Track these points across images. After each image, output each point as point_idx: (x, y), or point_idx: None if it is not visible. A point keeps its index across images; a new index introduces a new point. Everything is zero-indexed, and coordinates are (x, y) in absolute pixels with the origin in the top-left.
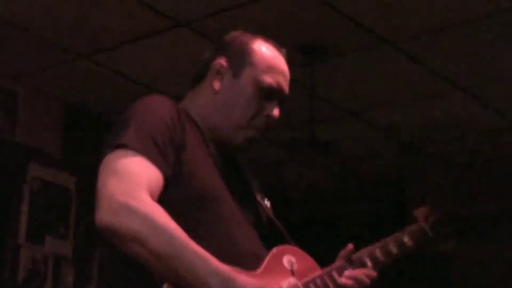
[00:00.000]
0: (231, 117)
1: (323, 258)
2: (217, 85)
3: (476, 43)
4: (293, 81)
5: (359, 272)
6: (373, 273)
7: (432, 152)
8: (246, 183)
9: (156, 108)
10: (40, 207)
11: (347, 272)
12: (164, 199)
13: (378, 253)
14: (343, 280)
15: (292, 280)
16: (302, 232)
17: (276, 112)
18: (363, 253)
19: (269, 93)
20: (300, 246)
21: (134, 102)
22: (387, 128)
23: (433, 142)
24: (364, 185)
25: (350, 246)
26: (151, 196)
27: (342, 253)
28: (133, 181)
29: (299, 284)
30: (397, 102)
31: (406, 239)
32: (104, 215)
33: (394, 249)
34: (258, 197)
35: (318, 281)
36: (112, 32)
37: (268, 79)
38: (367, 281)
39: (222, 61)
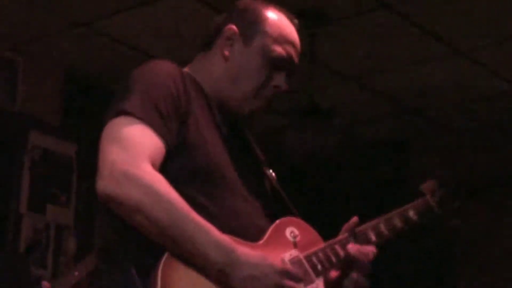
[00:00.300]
0: (239, 86)
1: (325, 224)
2: (227, 52)
3: (477, 7)
4: None
5: (362, 248)
6: (374, 250)
7: (433, 116)
8: (251, 152)
9: (161, 75)
10: (41, 175)
11: (350, 246)
12: (167, 169)
13: (383, 227)
14: (345, 254)
15: (294, 252)
16: (303, 199)
17: (284, 83)
18: (367, 227)
19: (279, 64)
20: (303, 217)
21: (138, 67)
22: (388, 93)
23: (434, 107)
24: (365, 150)
25: (355, 219)
26: (153, 165)
27: (346, 226)
28: (135, 149)
29: (301, 256)
30: (398, 66)
31: (411, 213)
32: (105, 184)
33: (398, 223)
34: (263, 167)
35: (320, 254)
36: None
37: (278, 49)
38: (371, 257)
39: (233, 28)
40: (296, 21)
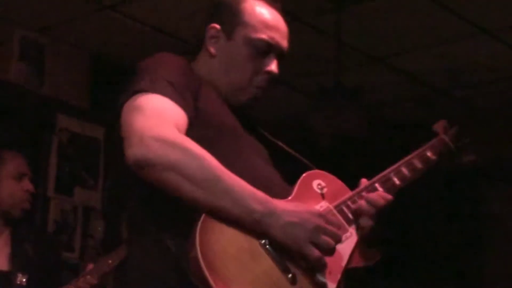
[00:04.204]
0: (230, 80)
1: None
2: (212, 49)
3: None
4: (318, 27)
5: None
6: (388, 196)
7: (459, 97)
8: (259, 131)
9: (169, 60)
10: (68, 158)
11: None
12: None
13: (404, 170)
14: (361, 203)
15: (323, 203)
16: None
17: (275, 66)
18: (390, 172)
19: (264, 50)
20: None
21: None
22: (415, 74)
23: (460, 87)
24: (391, 131)
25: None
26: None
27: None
28: (160, 116)
29: (331, 207)
30: (424, 47)
31: (429, 153)
32: (136, 150)
33: (419, 165)
34: (273, 141)
35: (349, 203)
36: None
37: (261, 35)
38: (382, 202)
39: (215, 26)
40: (278, 4)
